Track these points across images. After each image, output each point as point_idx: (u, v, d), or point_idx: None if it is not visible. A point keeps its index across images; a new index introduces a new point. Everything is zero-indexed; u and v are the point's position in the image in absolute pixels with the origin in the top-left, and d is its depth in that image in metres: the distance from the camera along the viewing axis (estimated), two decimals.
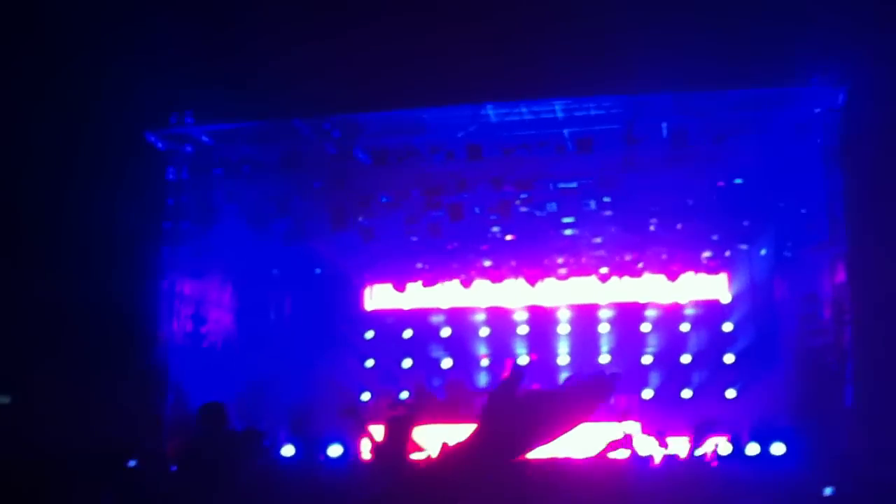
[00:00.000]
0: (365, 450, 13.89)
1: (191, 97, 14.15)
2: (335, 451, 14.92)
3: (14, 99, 12.71)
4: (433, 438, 10.96)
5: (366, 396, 19.36)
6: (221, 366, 15.98)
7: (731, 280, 18.77)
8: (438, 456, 2.34)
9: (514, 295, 19.54)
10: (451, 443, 2.71)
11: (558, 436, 2.76)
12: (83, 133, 13.32)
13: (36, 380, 14.44)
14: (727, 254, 18.28)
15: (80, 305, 14.28)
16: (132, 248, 14.37)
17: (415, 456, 10.78)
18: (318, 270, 19.15)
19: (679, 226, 16.63)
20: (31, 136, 13.39)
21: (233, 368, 16.16)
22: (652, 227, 16.64)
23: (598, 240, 17.61)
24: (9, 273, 13.72)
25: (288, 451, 14.85)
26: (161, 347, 15.15)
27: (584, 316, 19.39)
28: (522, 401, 2.67)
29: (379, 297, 20.35)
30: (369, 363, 19.91)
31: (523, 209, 15.85)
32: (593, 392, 3.02)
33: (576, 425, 2.89)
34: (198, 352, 15.76)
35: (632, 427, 13.27)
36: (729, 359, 18.31)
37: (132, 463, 11.14)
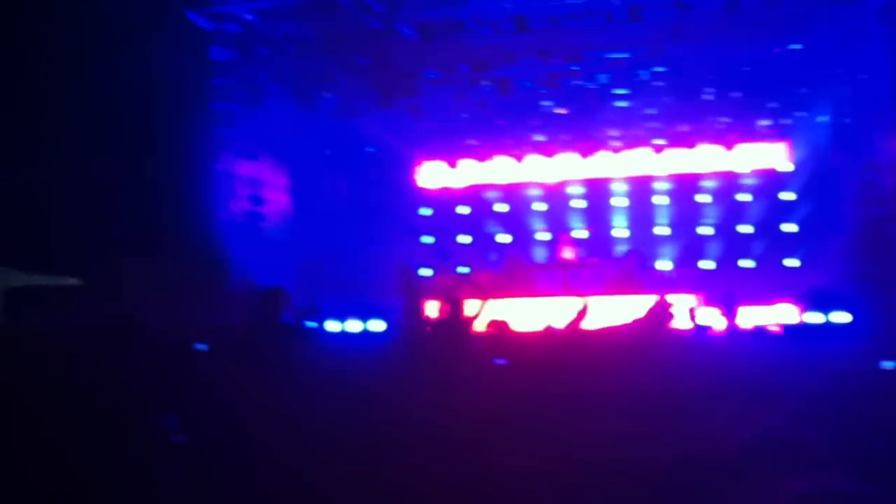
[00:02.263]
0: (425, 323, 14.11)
1: None
2: (389, 325, 15.19)
3: None
4: (494, 312, 11.03)
5: (424, 272, 19.60)
6: (280, 245, 16.23)
7: (789, 148, 18.32)
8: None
9: (568, 169, 19.39)
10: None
11: None
12: (126, 14, 13.25)
13: (100, 263, 14.79)
14: (785, 122, 17.79)
15: (137, 188, 14.52)
16: (184, 130, 14.47)
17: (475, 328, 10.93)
18: (370, 149, 19.12)
19: (735, 94, 16.18)
20: (77, 19, 13.38)
21: (291, 248, 16.40)
22: (708, 97, 16.22)
23: (652, 111, 17.24)
24: (68, 160, 13.99)
25: (349, 326, 15.11)
26: (221, 228, 15.38)
27: (640, 188, 19.19)
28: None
29: (432, 174, 20.35)
30: (426, 240, 20.08)
31: (574, 82, 15.52)
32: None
33: None
34: (256, 232, 15.99)
35: (691, 298, 13.22)
36: (789, 228, 18.04)
37: (201, 346, 11.40)
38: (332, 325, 14.68)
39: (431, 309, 14.31)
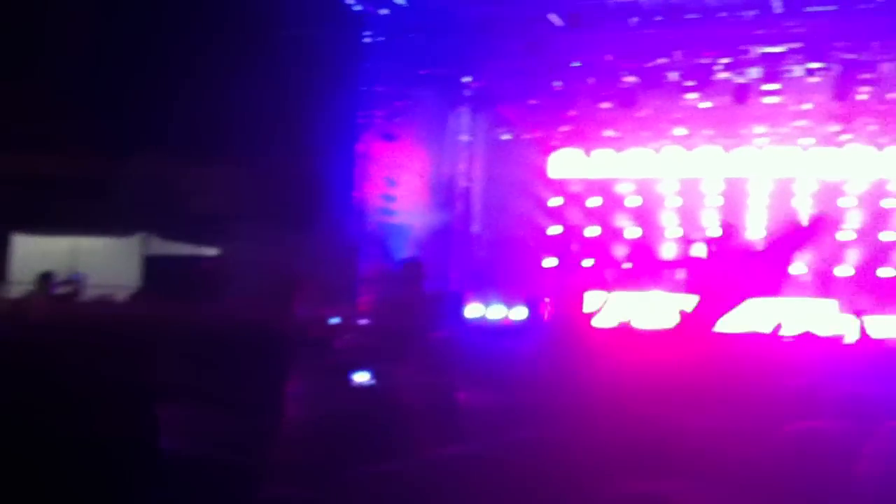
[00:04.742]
0: (547, 313, 14.02)
1: None
2: (519, 313, 15.17)
3: None
4: (625, 305, 10.89)
5: (549, 262, 19.46)
6: (411, 228, 16.37)
7: None
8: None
9: (708, 164, 18.82)
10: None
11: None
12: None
13: (235, 238, 15.08)
14: None
15: (277, 167, 14.82)
16: (328, 112, 14.70)
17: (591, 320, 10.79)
18: (506, 136, 19.04)
19: (891, 95, 15.53)
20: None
21: (422, 231, 16.52)
22: (863, 97, 15.60)
23: (802, 107, 16.65)
24: (218, 137, 14.39)
25: (474, 311, 15.15)
26: (355, 209, 15.62)
27: (782, 188, 18.57)
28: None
29: (565, 163, 20.11)
30: (554, 230, 19.92)
31: (722, 75, 15.14)
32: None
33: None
34: (389, 214, 16.18)
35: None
36: None
37: (333, 320, 11.59)
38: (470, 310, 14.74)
39: (554, 300, 14.21)
